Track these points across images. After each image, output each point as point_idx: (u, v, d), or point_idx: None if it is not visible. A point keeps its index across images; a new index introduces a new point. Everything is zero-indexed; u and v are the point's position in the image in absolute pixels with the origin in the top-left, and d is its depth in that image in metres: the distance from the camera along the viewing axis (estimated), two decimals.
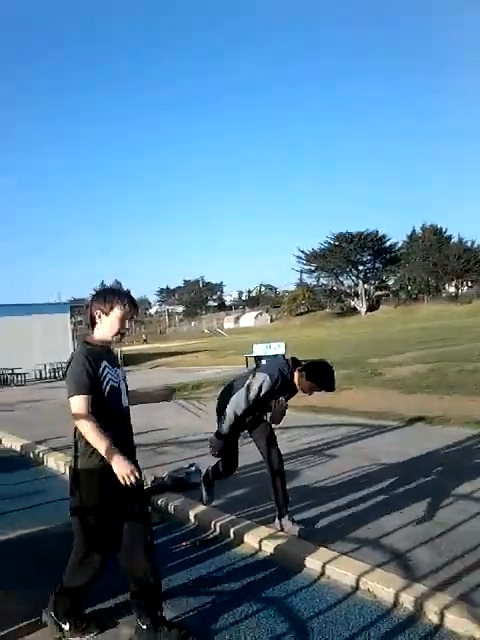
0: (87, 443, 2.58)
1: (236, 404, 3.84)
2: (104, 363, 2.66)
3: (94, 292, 2.80)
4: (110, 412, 2.66)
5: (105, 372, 2.65)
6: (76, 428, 2.63)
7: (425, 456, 5.73)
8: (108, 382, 2.66)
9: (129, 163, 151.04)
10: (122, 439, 2.68)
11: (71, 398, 2.58)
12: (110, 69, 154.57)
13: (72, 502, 2.78)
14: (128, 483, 2.48)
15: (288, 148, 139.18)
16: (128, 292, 3.07)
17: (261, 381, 3.81)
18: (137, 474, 2.52)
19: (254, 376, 3.90)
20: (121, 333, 2.76)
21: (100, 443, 2.50)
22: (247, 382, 3.87)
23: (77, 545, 2.79)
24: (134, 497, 2.72)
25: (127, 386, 2.86)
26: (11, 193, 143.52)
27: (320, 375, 3.89)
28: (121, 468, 2.47)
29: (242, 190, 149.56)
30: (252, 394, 3.80)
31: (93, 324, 2.75)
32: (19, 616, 3.12)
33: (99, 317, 2.72)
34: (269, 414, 4.01)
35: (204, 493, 4.34)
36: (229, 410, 3.87)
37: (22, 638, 2.93)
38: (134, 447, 2.86)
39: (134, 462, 2.67)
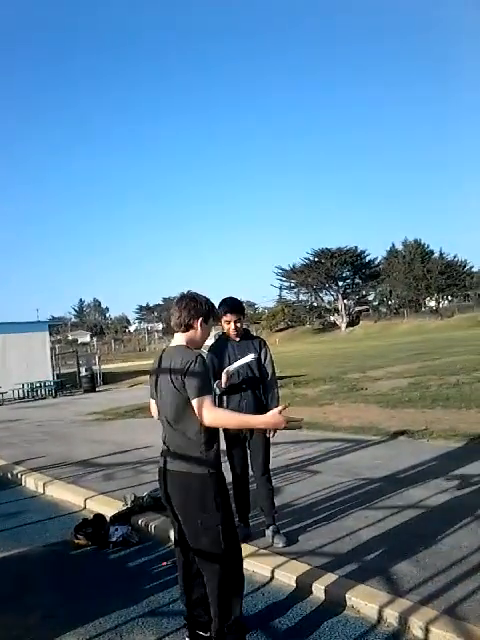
0: (209, 443, 2.55)
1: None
2: None
3: (187, 296, 2.68)
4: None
5: None
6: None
7: (408, 470, 5.71)
8: None
9: (112, 179, 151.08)
10: None
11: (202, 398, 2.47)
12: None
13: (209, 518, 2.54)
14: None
15: (273, 164, 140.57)
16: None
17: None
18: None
19: None
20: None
21: (239, 419, 2.68)
22: None
23: (223, 566, 2.59)
24: None
25: None
26: None
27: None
28: (276, 422, 2.50)
29: (220, 207, 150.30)
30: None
31: (187, 329, 2.67)
32: None
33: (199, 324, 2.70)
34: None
35: None
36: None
37: None
38: None
39: None
